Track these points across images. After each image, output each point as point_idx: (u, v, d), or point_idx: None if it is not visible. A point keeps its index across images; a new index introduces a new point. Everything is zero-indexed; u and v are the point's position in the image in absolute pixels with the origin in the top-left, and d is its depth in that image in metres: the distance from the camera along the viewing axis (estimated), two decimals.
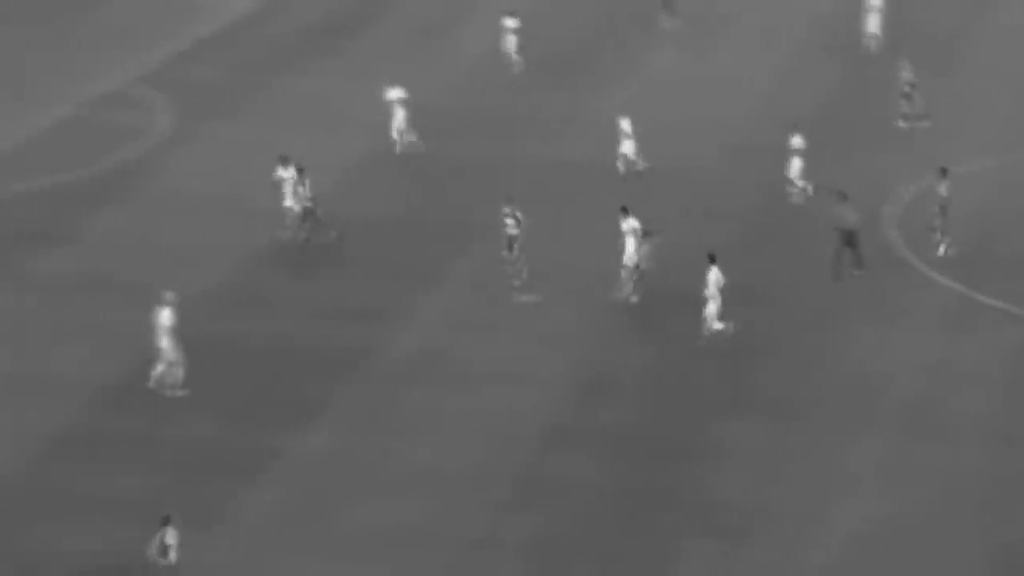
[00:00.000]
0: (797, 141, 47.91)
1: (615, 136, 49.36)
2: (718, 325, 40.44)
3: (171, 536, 31.30)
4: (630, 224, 42.26)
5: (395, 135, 51.04)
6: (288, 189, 45.04)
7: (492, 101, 55.80)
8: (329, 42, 61.29)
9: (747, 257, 44.37)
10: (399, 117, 51.02)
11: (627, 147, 49.02)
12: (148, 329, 40.47)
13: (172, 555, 31.34)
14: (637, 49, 60.55)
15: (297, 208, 45.00)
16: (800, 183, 47.58)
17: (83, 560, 32.57)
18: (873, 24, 59.59)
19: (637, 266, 42.04)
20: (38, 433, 36.73)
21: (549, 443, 36.75)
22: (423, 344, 40.60)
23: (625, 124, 49.23)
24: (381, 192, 49.05)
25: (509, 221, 43.20)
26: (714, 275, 40.45)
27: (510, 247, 43.26)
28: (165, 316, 38.13)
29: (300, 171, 45.06)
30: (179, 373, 38.25)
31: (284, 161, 45.29)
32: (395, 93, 51.13)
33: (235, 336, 40.89)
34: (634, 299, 42.18)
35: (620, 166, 48.98)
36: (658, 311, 41.75)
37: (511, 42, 57.82)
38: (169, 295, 38.47)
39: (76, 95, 55.34)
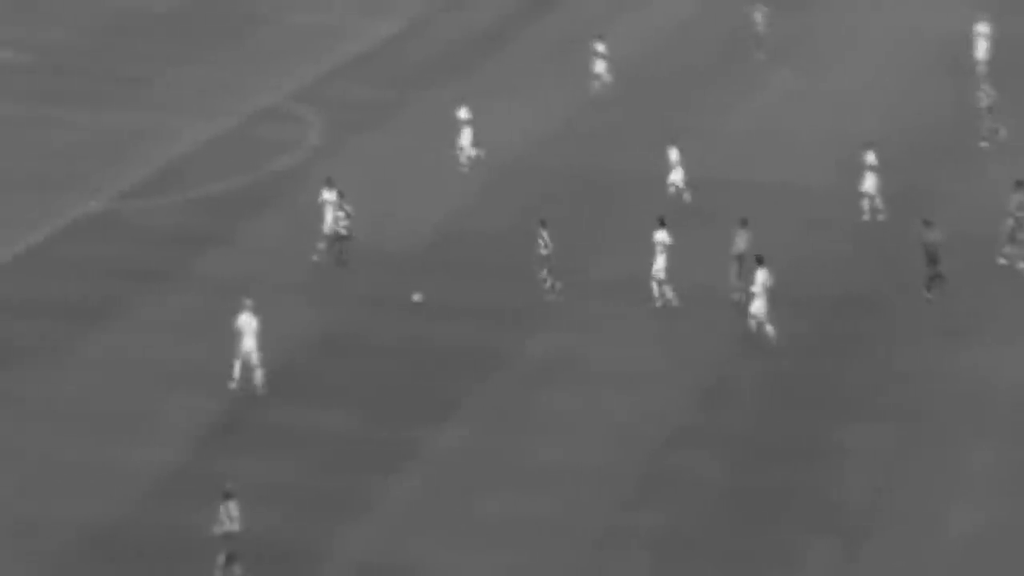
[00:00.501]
0: (871, 158, 47.19)
1: (732, 152, 49.04)
2: (769, 327, 39.97)
3: (233, 508, 31.35)
4: (662, 236, 41.84)
5: (460, 151, 50.50)
6: (329, 211, 43.97)
7: (618, 118, 55.66)
8: (466, 61, 61.48)
9: (861, 268, 43.93)
10: (466, 135, 50.59)
11: (675, 175, 47.80)
12: (300, 322, 40.95)
13: (231, 526, 31.33)
14: (757, 67, 60.21)
15: (327, 231, 43.70)
16: (871, 201, 46.88)
17: (246, 544, 32.73)
18: (981, 50, 58.80)
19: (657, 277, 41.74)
20: (197, 422, 37.08)
21: (673, 443, 36.55)
22: (555, 347, 40.49)
23: (675, 154, 47.87)
24: (516, 202, 49.12)
25: (540, 242, 42.56)
26: (762, 275, 39.89)
27: (544, 267, 42.54)
28: (244, 320, 38.10)
29: (341, 195, 43.76)
30: (262, 375, 38.16)
31: (329, 183, 44.22)
32: (463, 113, 50.73)
33: (381, 335, 41.08)
34: (660, 304, 41.79)
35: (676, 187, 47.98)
36: (777, 318, 41.41)
37: (600, 65, 57.32)
38: (249, 301, 38.38)
39: (237, 110, 55.90)
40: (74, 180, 49.76)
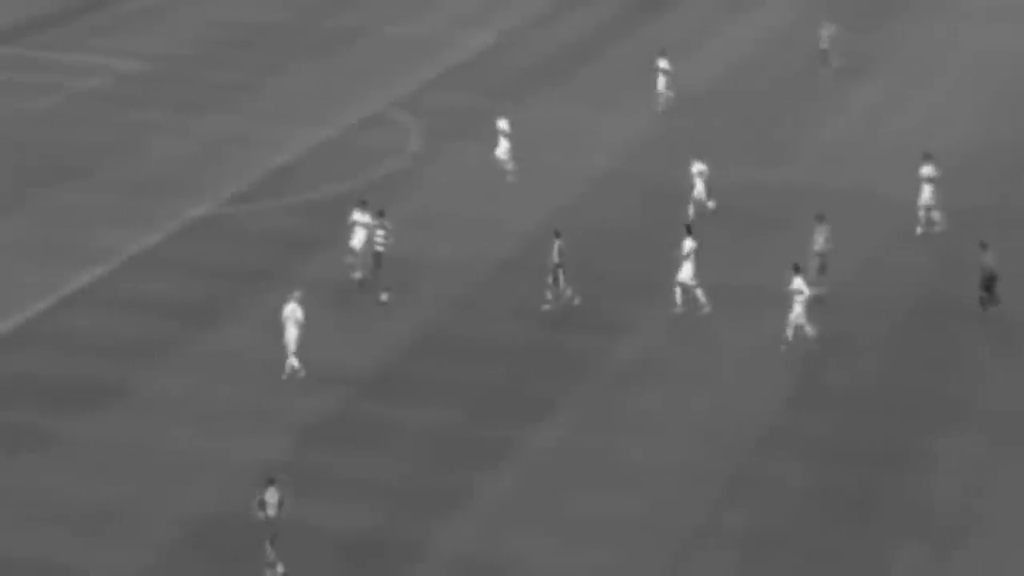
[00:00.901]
0: (928, 170, 46.18)
1: (831, 162, 48.41)
2: (809, 329, 39.14)
3: (271, 495, 31.28)
4: (690, 244, 41.30)
5: (503, 160, 49.76)
6: (359, 231, 42.53)
7: (716, 127, 55.13)
8: (562, 70, 61.13)
9: (948, 276, 43.15)
10: (503, 146, 49.78)
11: (697, 190, 46.79)
12: (401, 323, 40.79)
13: (270, 511, 31.30)
14: (846, 81, 59.52)
15: (360, 247, 42.28)
16: (927, 212, 45.97)
17: (345, 537, 32.67)
18: None
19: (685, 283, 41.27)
20: (301, 418, 36.96)
21: (762, 445, 35.96)
22: (643, 349, 40.02)
23: (698, 167, 46.85)
24: (609, 210, 48.74)
25: (554, 252, 41.80)
26: (796, 284, 39.09)
27: (555, 278, 41.79)
28: (290, 309, 38.17)
29: (380, 214, 42.39)
30: (298, 362, 38.20)
31: (362, 205, 42.97)
32: (503, 124, 49.99)
33: (477, 337, 40.80)
34: (680, 311, 41.31)
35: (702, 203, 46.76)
36: (864, 325, 40.76)
37: (661, 82, 56.39)
38: (297, 292, 38.36)
39: (339, 118, 55.89)
40: (185, 184, 49.87)
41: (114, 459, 34.97)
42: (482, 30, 66.17)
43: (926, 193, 46.07)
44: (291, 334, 38.10)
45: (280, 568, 31.54)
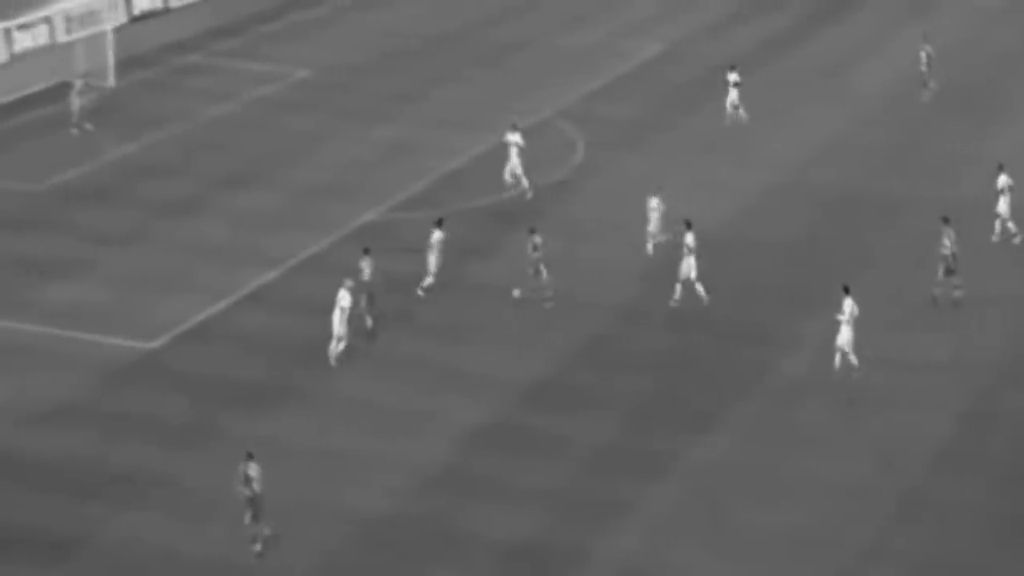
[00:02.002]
0: (1003, 180, 44.98)
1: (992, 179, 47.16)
2: (853, 358, 37.87)
3: (252, 470, 31.54)
4: (690, 239, 41.45)
5: (508, 176, 48.90)
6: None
7: (889, 137, 54.22)
8: (724, 82, 60.50)
9: None
10: (513, 160, 48.93)
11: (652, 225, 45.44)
12: (563, 331, 40.50)
13: (255, 486, 31.53)
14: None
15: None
16: (1000, 222, 44.90)
17: (505, 545, 32.46)
18: None
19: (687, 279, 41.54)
20: (465, 422, 36.85)
21: (936, 464, 35.02)
22: (814, 364, 39.20)
23: (655, 203, 45.37)
24: (781, 220, 48.02)
25: (530, 247, 42.01)
26: (847, 305, 37.89)
27: (537, 272, 42.08)
28: (341, 296, 38.52)
29: (366, 252, 41.00)
30: (341, 347, 38.55)
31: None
32: (513, 137, 49.06)
33: (642, 347, 40.37)
34: (676, 305, 41.62)
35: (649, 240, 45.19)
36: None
37: (733, 95, 55.25)
38: (349, 281, 38.78)
39: (505, 127, 55.76)
40: (354, 190, 50.15)
41: (283, 458, 35.14)
42: (650, 40, 65.68)
43: (1003, 203, 45.11)
44: (336, 317, 38.78)
45: (258, 546, 31.70)
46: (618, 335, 41.07)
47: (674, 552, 32.21)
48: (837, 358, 38.18)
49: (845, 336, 37.97)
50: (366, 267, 40.83)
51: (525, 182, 48.98)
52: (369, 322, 40.55)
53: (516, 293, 42.41)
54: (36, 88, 57.64)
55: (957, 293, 41.81)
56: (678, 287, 41.88)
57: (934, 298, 41.73)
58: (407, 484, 34.33)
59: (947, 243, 41.66)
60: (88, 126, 54.02)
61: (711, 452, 35.71)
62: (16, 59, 59.75)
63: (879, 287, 42.99)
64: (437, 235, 42.84)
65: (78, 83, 54.84)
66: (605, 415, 37.20)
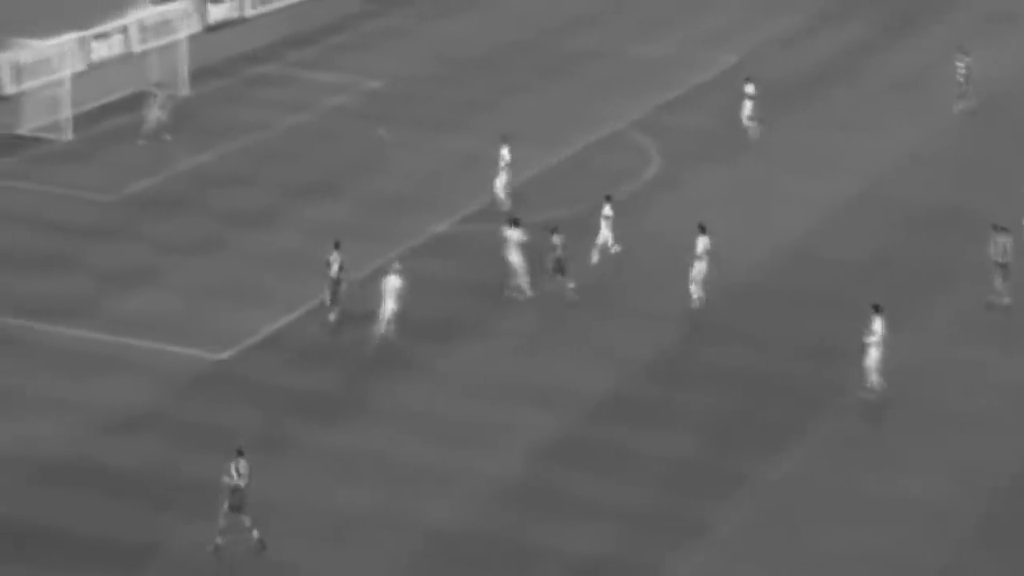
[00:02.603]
0: None
1: None
2: (875, 377, 37.26)
3: (243, 466, 31.93)
4: (704, 243, 41.63)
5: (500, 193, 48.56)
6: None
7: (968, 150, 53.73)
8: (813, 92, 60.01)
9: None
10: (503, 177, 48.46)
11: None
12: (636, 346, 40.23)
13: (241, 481, 31.84)
14: None
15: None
16: None
17: (576, 561, 32.24)
18: None
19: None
20: (538, 436, 36.67)
21: (1017, 486, 34.48)
22: (892, 382, 38.66)
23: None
24: (860, 233, 47.55)
25: (553, 245, 42.43)
26: (878, 325, 37.28)
27: (560, 271, 42.48)
28: (391, 281, 40.04)
29: (336, 246, 41.21)
30: (390, 329, 39.82)
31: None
32: (504, 152, 48.61)
33: (717, 363, 40.05)
34: (697, 306, 41.82)
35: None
36: None
37: (747, 107, 54.78)
38: (398, 264, 40.40)
39: (577, 139, 55.65)
40: (426, 201, 50.13)
41: (353, 469, 35.17)
42: (725, 50, 65.33)
43: None
44: (389, 305, 39.69)
45: (219, 540, 31.90)
46: (692, 349, 40.78)
47: (746, 572, 31.92)
48: (874, 378, 37.54)
49: (873, 357, 37.35)
50: (334, 261, 41.17)
51: (500, 196, 48.68)
52: (332, 316, 40.97)
53: (571, 286, 42.65)
54: (112, 98, 58.04)
55: (1006, 300, 41.19)
56: (692, 288, 42.02)
57: (989, 304, 40.98)
58: (478, 497, 34.21)
59: (1002, 249, 41.19)
60: (167, 137, 54.30)
61: (786, 470, 35.36)
62: (93, 68, 60.24)
63: (961, 303, 42.43)
64: (513, 234, 42.61)
65: (160, 94, 55.16)
66: (679, 430, 36.93)
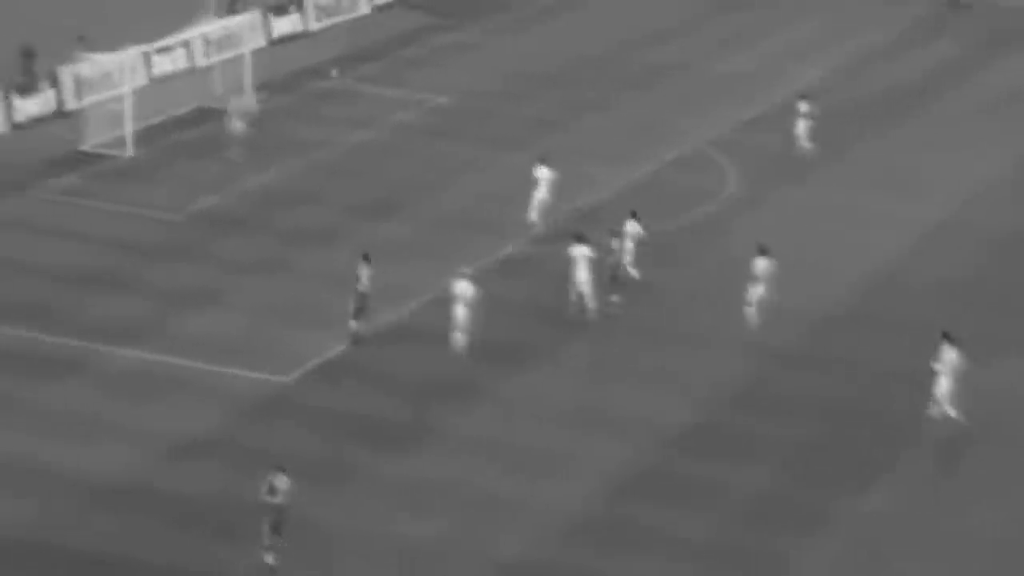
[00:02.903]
0: None
1: None
2: (949, 407, 36.86)
3: (281, 482, 32.29)
4: (764, 265, 42.06)
5: (532, 213, 48.83)
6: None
7: None
8: (898, 111, 59.82)
9: None
10: (540, 192, 48.82)
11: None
12: (717, 374, 40.21)
13: (280, 498, 32.20)
14: None
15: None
16: None
17: None
18: None
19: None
20: (609, 466, 36.70)
21: None
22: (983, 412, 38.39)
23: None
24: (949, 258, 47.38)
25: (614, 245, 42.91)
26: (949, 354, 36.97)
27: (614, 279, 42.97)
28: (462, 287, 40.63)
29: (366, 259, 41.91)
30: (466, 340, 40.33)
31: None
32: (543, 173, 48.96)
33: (801, 393, 39.98)
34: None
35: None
36: None
37: (801, 127, 54.66)
38: (466, 269, 40.89)
39: (653, 157, 55.70)
40: (492, 222, 50.25)
41: (420, 498, 35.34)
42: (810, 66, 65.21)
43: None
44: (460, 312, 40.34)
45: (270, 559, 32.01)
46: (772, 376, 40.70)
47: None
48: (947, 408, 37.32)
49: (944, 386, 37.16)
50: (363, 274, 41.75)
51: (534, 217, 49.15)
52: (353, 325, 41.46)
53: (615, 299, 43.05)
54: (175, 113, 58.69)
55: None
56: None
57: None
58: (550, 529, 34.28)
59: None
60: (239, 152, 54.86)
61: (873, 504, 35.26)
62: (155, 83, 60.96)
63: None
64: (579, 251, 43.01)
65: (242, 104, 55.69)
66: (759, 462, 36.89)
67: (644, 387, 40.15)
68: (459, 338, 40.98)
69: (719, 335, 42.80)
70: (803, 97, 55.68)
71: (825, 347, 42.15)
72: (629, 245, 44.70)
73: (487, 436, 38.07)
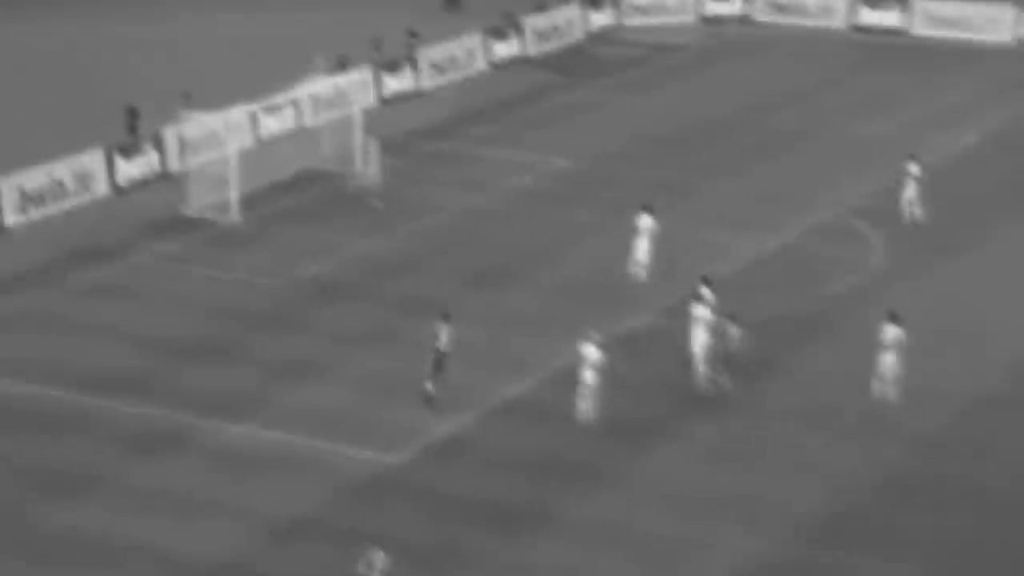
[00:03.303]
0: None
1: None
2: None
3: (380, 560, 32.24)
4: (894, 333, 41.49)
5: (633, 267, 49.40)
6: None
7: None
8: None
9: None
10: (642, 244, 49.49)
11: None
12: (861, 461, 39.46)
13: (376, 575, 32.17)
14: None
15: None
16: None
17: None
18: None
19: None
20: (741, 559, 35.92)
21: None
22: None
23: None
24: None
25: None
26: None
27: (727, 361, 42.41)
28: (590, 351, 40.94)
29: (445, 318, 42.29)
30: (593, 410, 40.73)
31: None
32: (645, 222, 49.73)
33: (955, 481, 39.09)
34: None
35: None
36: None
37: (909, 189, 53.74)
38: (595, 334, 41.16)
39: (789, 225, 55.03)
40: (614, 293, 49.75)
41: None
42: (962, 130, 64.18)
43: None
44: (588, 377, 40.79)
45: None
46: (925, 466, 39.71)
47: None
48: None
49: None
50: (443, 334, 41.95)
51: (635, 269, 49.92)
52: (429, 387, 41.50)
53: (723, 380, 42.70)
54: (282, 175, 58.95)
55: None
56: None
57: None
58: None
59: None
60: (378, 203, 55.47)
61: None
62: (262, 144, 61.34)
63: None
64: (699, 311, 42.76)
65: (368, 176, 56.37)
66: (905, 558, 35.94)
67: (773, 470, 39.38)
68: (584, 409, 40.46)
69: (859, 416, 41.89)
70: (912, 157, 54.83)
71: (980, 432, 41.14)
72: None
73: (610, 521, 37.47)
